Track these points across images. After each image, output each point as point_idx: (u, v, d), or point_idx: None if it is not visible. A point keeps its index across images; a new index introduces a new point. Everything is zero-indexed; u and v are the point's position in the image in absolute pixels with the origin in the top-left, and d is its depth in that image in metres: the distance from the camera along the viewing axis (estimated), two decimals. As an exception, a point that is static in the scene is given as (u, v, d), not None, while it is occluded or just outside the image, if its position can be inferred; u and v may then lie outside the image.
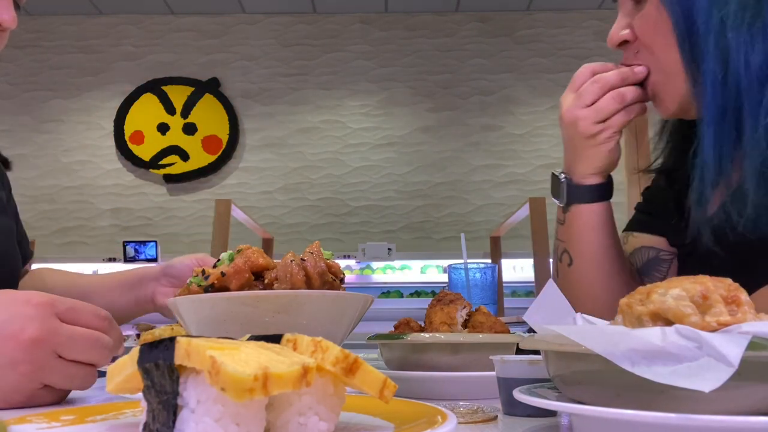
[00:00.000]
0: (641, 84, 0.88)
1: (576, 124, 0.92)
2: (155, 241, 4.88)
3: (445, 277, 3.90)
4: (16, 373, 0.62)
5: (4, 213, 1.11)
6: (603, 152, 0.92)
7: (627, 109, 0.89)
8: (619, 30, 0.87)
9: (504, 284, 4.03)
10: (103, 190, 5.41)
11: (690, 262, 0.95)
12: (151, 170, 5.40)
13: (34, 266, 1.25)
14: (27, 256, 1.21)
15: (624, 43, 0.88)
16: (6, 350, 0.62)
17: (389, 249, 4.95)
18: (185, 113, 5.45)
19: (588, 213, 0.97)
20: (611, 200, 0.99)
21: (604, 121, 0.89)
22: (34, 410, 0.64)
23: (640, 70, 0.87)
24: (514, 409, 0.64)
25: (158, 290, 1.04)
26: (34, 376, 0.63)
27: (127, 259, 4.70)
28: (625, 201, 2.29)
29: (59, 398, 0.68)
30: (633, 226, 1.09)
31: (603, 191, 0.97)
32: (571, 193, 0.97)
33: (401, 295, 5.07)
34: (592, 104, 0.89)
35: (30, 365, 0.63)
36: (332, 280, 0.74)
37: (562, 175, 0.99)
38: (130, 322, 1.15)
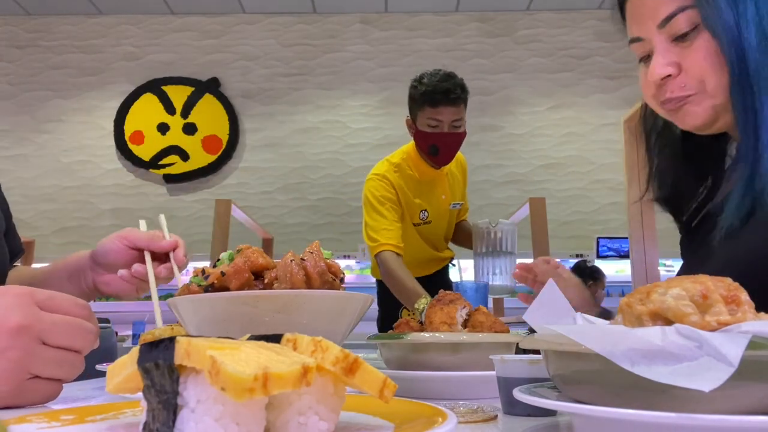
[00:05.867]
0: None
1: None
2: (155, 241, 4.87)
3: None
4: (4, 359, 0.62)
5: None
6: None
7: None
8: (663, 66, 0.93)
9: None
10: (103, 190, 5.41)
11: None
12: (151, 170, 5.40)
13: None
14: (15, 252, 1.17)
15: (666, 78, 0.94)
16: None
17: (389, 249, 4.94)
18: (185, 113, 5.45)
19: None
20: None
21: None
22: (33, 410, 0.64)
23: None
24: (514, 408, 0.64)
25: (97, 279, 1.02)
26: (22, 363, 0.63)
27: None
28: (624, 201, 2.29)
29: (50, 395, 0.68)
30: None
31: None
32: None
33: (401, 295, 5.06)
34: None
35: (17, 352, 0.63)
36: (332, 279, 0.74)
37: None
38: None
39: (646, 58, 0.97)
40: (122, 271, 0.96)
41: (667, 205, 1.10)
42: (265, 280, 0.73)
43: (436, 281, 2.54)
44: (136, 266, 0.96)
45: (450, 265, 2.75)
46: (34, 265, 4.42)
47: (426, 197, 2.48)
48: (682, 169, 1.06)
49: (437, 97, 2.28)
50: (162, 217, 1.02)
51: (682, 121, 0.96)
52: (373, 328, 2.71)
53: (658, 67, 0.93)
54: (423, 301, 2.35)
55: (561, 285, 0.98)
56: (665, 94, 0.95)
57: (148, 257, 0.95)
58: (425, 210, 2.48)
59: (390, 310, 2.52)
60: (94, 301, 1.05)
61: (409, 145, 2.56)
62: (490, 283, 1.96)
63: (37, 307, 0.65)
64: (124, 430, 0.47)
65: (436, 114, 2.30)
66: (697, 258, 1.00)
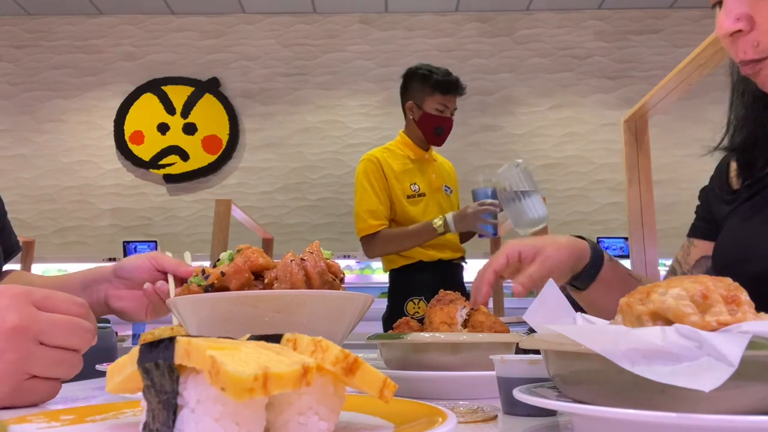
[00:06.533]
0: None
1: None
2: (155, 242, 4.87)
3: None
4: (2, 361, 0.62)
5: None
6: None
7: None
8: (731, 21, 0.80)
9: (504, 284, 4.02)
10: (103, 190, 5.41)
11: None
12: (151, 170, 5.40)
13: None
14: (12, 249, 1.19)
15: (736, 33, 0.82)
16: None
17: (389, 249, 4.94)
18: (185, 113, 5.45)
19: None
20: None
21: None
22: (33, 410, 0.64)
23: None
24: (514, 408, 0.64)
25: (110, 293, 1.02)
26: (19, 365, 0.63)
27: (127, 259, 4.70)
28: (624, 201, 2.29)
29: (48, 394, 0.68)
30: (693, 232, 1.08)
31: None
32: None
33: (401, 295, 5.06)
34: None
35: (14, 353, 0.63)
36: (332, 279, 0.74)
37: None
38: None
39: (720, 3, 0.84)
40: (147, 285, 0.99)
41: (739, 156, 0.99)
42: (265, 280, 0.73)
43: (449, 281, 2.65)
44: (161, 283, 0.99)
45: (462, 263, 2.91)
46: (34, 265, 4.41)
47: (416, 173, 2.77)
48: (760, 118, 0.95)
49: (450, 87, 2.68)
50: (187, 254, 1.08)
51: (762, 85, 0.84)
52: (374, 328, 2.71)
53: (725, 21, 0.80)
54: (437, 219, 2.68)
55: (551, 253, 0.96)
56: (738, 54, 0.83)
57: (171, 279, 0.98)
58: (415, 183, 2.75)
59: (399, 304, 2.67)
60: (98, 316, 1.06)
61: (400, 134, 2.87)
62: (527, 218, 2.10)
63: (33, 307, 0.65)
64: (124, 430, 0.47)
65: (445, 101, 2.69)
66: (757, 219, 0.91)
